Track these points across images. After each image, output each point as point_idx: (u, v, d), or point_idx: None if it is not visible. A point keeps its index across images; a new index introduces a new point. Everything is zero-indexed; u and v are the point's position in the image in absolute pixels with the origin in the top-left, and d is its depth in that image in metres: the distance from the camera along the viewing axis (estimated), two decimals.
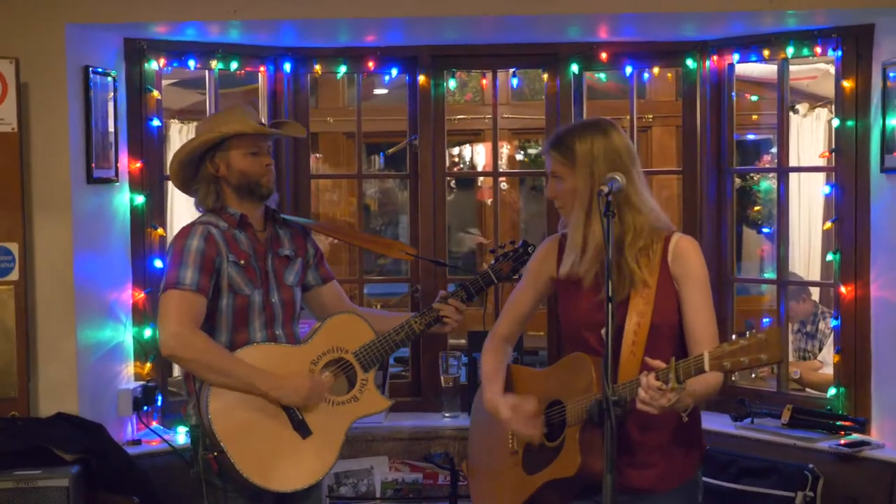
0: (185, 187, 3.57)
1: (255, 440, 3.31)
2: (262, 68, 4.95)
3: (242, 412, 3.31)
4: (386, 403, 3.58)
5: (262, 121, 3.59)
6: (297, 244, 3.62)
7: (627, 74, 4.97)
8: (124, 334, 4.62)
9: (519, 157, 8.52)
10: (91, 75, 4.33)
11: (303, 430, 3.37)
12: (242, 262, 3.42)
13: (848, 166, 4.50)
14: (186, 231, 3.42)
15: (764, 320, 6.50)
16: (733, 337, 2.57)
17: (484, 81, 5.68)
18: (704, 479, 3.14)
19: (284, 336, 3.49)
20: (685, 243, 2.98)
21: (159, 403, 4.70)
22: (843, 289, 4.52)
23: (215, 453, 3.28)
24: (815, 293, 6.17)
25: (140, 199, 4.67)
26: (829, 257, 4.64)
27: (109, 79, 4.47)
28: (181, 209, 5.92)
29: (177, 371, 5.41)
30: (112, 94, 4.48)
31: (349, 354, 3.48)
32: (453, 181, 8.51)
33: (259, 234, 3.52)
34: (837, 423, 4.44)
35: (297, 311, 3.57)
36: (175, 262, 3.34)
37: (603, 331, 2.91)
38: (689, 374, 2.62)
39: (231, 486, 3.34)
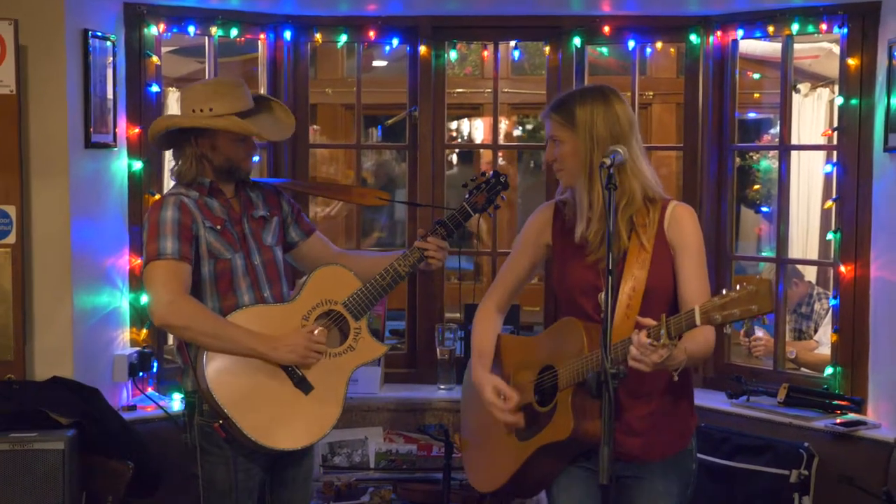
0: (161, 149, 3.61)
1: (258, 403, 3.31)
2: (262, 36, 4.91)
3: (242, 377, 3.31)
4: (383, 349, 3.60)
5: (251, 98, 3.50)
6: (271, 204, 3.59)
7: (630, 49, 4.94)
8: (121, 300, 4.60)
9: (517, 132, 8.48)
10: (90, 39, 4.28)
11: (304, 386, 3.38)
12: (218, 227, 3.40)
13: (851, 145, 4.48)
14: (158, 204, 3.40)
15: None
16: (723, 291, 2.57)
17: (485, 54, 5.66)
18: (699, 455, 3.14)
19: (272, 297, 3.47)
20: (681, 210, 3.00)
21: (155, 370, 4.69)
22: (842, 268, 4.51)
23: (220, 421, 3.27)
24: (811, 273, 6.16)
25: (138, 165, 4.64)
26: (829, 236, 4.63)
27: (109, 43, 4.43)
28: None
29: (171, 339, 5.40)
30: (111, 58, 4.45)
31: (339, 305, 3.48)
32: (453, 154, 8.49)
33: (232, 201, 3.49)
34: (833, 402, 4.44)
35: (280, 271, 3.54)
36: (153, 235, 3.32)
37: (599, 296, 2.92)
38: (681, 329, 2.63)
39: (237, 450, 3.34)
